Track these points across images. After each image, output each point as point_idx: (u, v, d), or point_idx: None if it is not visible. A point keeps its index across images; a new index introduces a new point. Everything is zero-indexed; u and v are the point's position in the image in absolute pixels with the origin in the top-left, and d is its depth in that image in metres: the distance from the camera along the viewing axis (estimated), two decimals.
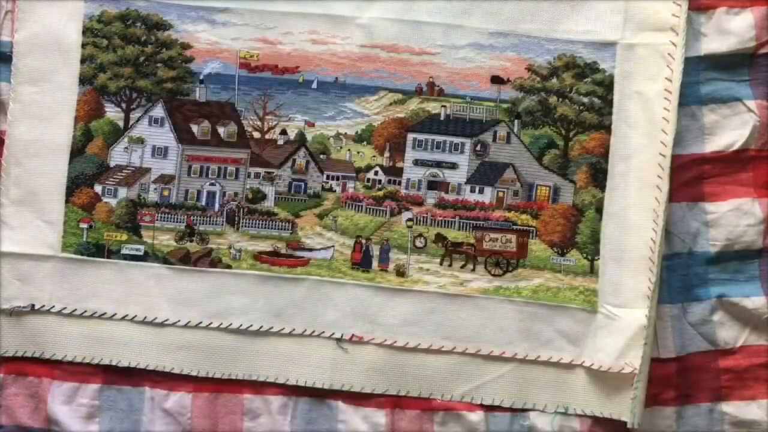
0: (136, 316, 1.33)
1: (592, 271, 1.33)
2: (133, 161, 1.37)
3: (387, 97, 1.37)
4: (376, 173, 1.39)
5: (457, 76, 1.35)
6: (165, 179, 1.37)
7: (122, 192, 1.36)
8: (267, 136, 1.38)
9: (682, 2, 1.30)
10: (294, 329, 1.33)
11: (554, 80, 1.35)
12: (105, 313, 1.33)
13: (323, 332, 1.33)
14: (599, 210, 1.33)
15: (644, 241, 1.30)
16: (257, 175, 1.39)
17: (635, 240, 1.31)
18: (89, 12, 1.34)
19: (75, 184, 1.34)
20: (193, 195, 1.38)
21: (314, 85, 1.36)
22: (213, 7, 1.34)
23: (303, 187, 1.40)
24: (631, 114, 1.32)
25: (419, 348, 1.33)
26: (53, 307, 1.33)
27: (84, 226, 1.34)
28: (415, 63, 1.35)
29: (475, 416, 1.32)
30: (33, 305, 1.33)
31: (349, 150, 1.38)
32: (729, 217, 1.33)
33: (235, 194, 1.39)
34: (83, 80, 1.34)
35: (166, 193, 1.37)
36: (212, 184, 1.38)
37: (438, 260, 1.36)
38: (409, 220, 1.37)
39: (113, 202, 1.36)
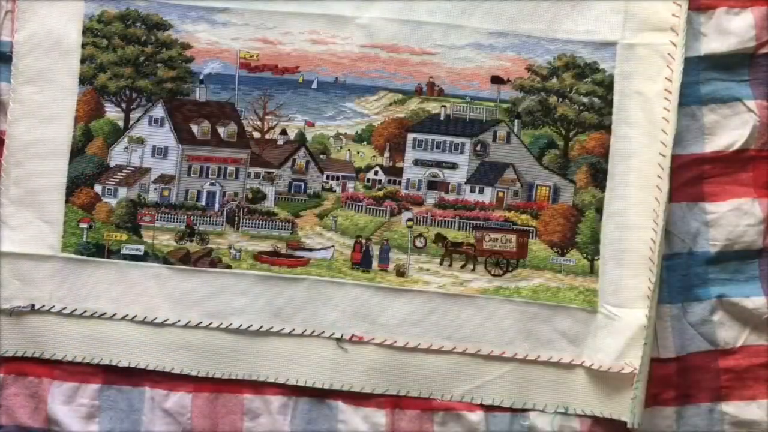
0: (136, 316, 1.33)
1: (592, 271, 1.33)
2: (133, 161, 1.37)
3: (387, 97, 1.37)
4: (376, 173, 1.39)
5: (457, 76, 1.35)
6: (165, 179, 1.37)
7: (122, 192, 1.36)
8: (267, 136, 1.38)
9: (682, 2, 1.30)
10: (294, 329, 1.33)
11: (554, 80, 1.35)
12: (105, 313, 1.33)
13: (323, 332, 1.33)
14: (599, 210, 1.33)
15: (644, 241, 1.30)
16: (257, 175, 1.39)
17: (635, 240, 1.31)
18: (89, 12, 1.34)
19: (75, 184, 1.34)
20: (193, 195, 1.38)
21: (314, 85, 1.36)
22: (213, 7, 1.34)
23: (303, 187, 1.40)
24: (631, 114, 1.32)
25: (419, 348, 1.33)
26: (53, 307, 1.33)
27: (84, 226, 1.34)
28: (415, 63, 1.35)
29: (475, 416, 1.32)
30: (33, 305, 1.33)
31: (349, 150, 1.38)
32: (729, 217, 1.33)
33: (235, 194, 1.39)
34: (83, 80, 1.34)
35: (166, 193, 1.37)
36: (212, 184, 1.38)
37: (438, 260, 1.36)
38: (409, 220, 1.37)
39: (113, 202, 1.36)
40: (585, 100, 1.34)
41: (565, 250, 1.35)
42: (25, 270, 1.33)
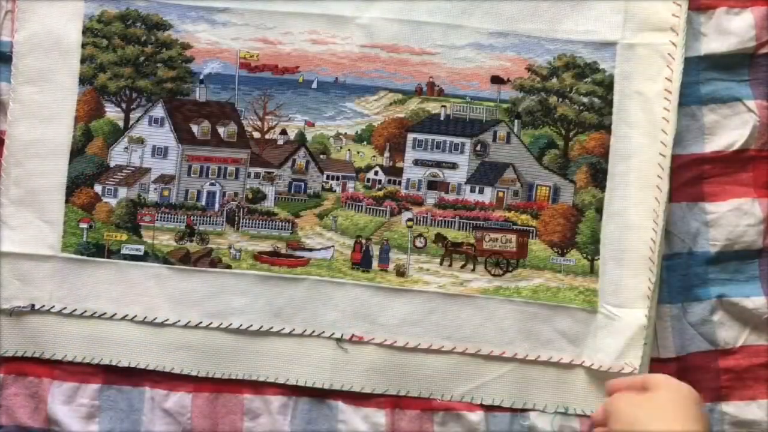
0: (136, 316, 1.33)
1: (592, 271, 1.33)
2: (133, 161, 1.37)
3: (387, 97, 1.37)
4: (376, 173, 1.39)
5: (457, 76, 1.35)
6: (165, 179, 1.37)
7: (122, 192, 1.36)
8: (267, 136, 1.38)
9: (682, 2, 1.30)
10: (294, 329, 1.33)
11: (554, 80, 1.35)
12: (105, 313, 1.33)
13: (323, 332, 1.33)
14: (599, 210, 1.33)
15: (644, 241, 1.30)
16: (257, 175, 1.39)
17: (635, 240, 1.31)
18: (89, 12, 1.34)
19: (75, 184, 1.34)
20: (193, 195, 1.38)
21: (314, 85, 1.36)
22: (213, 7, 1.34)
23: (303, 187, 1.40)
24: (631, 114, 1.32)
25: (419, 348, 1.33)
26: (53, 307, 1.33)
27: (84, 226, 1.34)
28: (415, 63, 1.35)
29: (475, 416, 1.32)
30: (33, 305, 1.33)
31: (349, 150, 1.38)
32: (729, 217, 1.33)
33: (235, 194, 1.38)
34: (83, 80, 1.34)
35: (166, 193, 1.37)
36: (212, 184, 1.38)
37: (438, 260, 1.36)
38: (409, 220, 1.37)
39: (113, 202, 1.36)
40: (585, 100, 1.34)
41: (565, 250, 1.35)
42: (25, 270, 1.33)
